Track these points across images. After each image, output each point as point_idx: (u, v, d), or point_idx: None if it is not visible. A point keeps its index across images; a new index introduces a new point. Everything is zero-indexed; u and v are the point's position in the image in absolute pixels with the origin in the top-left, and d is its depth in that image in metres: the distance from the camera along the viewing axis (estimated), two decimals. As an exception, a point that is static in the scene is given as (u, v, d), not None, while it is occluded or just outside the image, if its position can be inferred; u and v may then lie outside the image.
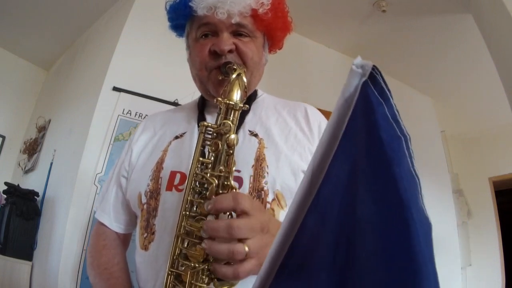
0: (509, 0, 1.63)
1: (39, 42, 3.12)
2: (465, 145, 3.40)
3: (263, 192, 0.66)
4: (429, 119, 3.32)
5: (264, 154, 0.70)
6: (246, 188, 0.67)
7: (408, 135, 0.26)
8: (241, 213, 0.52)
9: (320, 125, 0.78)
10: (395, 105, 0.26)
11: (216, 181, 0.55)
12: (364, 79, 0.25)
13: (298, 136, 0.74)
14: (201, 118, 0.80)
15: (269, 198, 0.66)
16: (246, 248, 0.49)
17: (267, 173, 0.68)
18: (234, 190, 0.56)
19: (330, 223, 0.27)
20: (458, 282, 2.82)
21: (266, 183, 0.67)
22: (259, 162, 0.69)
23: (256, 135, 0.73)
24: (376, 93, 0.25)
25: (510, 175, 3.10)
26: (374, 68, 0.26)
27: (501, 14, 1.68)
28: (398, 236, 0.23)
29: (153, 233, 0.69)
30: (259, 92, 0.86)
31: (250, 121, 0.76)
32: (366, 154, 0.26)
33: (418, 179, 0.26)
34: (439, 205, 2.95)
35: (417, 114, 3.21)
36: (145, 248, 0.69)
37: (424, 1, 2.40)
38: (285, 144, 0.72)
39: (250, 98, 0.81)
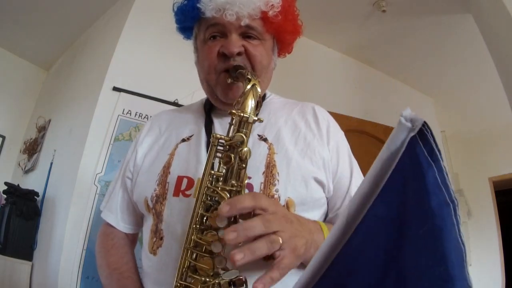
0: (509, 0, 1.63)
1: (39, 42, 3.12)
2: (465, 145, 3.40)
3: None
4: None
5: (274, 161, 0.69)
6: None
7: (456, 200, 0.25)
8: (261, 212, 0.52)
9: (328, 125, 0.77)
10: (445, 168, 0.25)
11: (228, 196, 0.54)
12: (412, 134, 0.24)
13: (307, 138, 0.73)
14: (208, 121, 0.78)
15: None
16: (280, 239, 0.50)
17: (278, 180, 0.67)
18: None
19: (362, 275, 0.27)
20: (458, 282, 2.82)
21: (276, 190, 0.66)
22: (270, 169, 0.68)
23: (265, 140, 0.72)
24: (425, 153, 0.24)
25: (510, 175, 3.09)
26: (425, 124, 0.24)
27: (501, 14, 1.68)
28: None
29: (161, 239, 0.68)
30: (267, 94, 0.85)
31: (258, 125, 0.74)
32: (415, 221, 0.25)
33: (464, 247, 0.25)
34: (439, 205, 2.95)
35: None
36: (154, 252, 0.69)
37: (424, 1, 2.40)
38: (295, 149, 0.71)
39: (257, 102, 0.81)
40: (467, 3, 2.23)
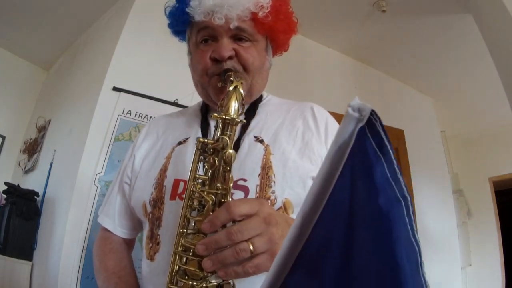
0: (509, 0, 1.63)
1: (39, 42, 3.11)
2: (465, 145, 3.40)
3: (269, 201, 0.65)
4: (429, 119, 3.32)
5: (270, 162, 0.68)
6: (252, 197, 0.65)
7: (409, 195, 0.23)
8: (242, 218, 0.51)
9: (327, 123, 0.76)
10: (395, 160, 0.23)
11: (214, 198, 0.54)
12: (360, 124, 0.22)
13: (306, 137, 0.73)
14: (204, 123, 0.78)
15: (275, 207, 0.65)
16: (251, 246, 0.49)
17: (274, 182, 0.66)
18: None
19: (320, 277, 0.25)
20: (458, 282, 2.82)
21: (273, 192, 0.65)
22: (266, 171, 0.67)
23: (261, 141, 0.71)
24: (374, 146, 0.22)
25: (510, 175, 3.09)
26: (373, 113, 0.22)
27: (501, 14, 1.68)
28: None
29: (157, 244, 0.68)
30: (264, 95, 0.84)
31: (255, 126, 0.74)
32: (363, 222, 0.23)
33: (418, 247, 0.23)
34: (439, 205, 2.95)
35: (417, 114, 3.21)
36: (151, 258, 0.69)
37: (424, 1, 2.40)
38: (293, 148, 0.71)
39: (255, 102, 0.80)
40: (467, 3, 2.23)
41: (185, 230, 0.56)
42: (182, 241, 0.55)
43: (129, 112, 2.00)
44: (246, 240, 0.49)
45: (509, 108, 1.64)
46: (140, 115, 2.01)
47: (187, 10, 0.71)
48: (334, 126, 0.78)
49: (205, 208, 0.54)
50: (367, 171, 0.23)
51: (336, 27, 2.78)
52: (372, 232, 0.23)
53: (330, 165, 0.24)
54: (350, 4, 2.53)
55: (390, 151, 0.23)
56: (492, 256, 2.96)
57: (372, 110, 0.22)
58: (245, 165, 0.67)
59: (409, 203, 0.23)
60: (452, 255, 2.85)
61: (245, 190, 0.66)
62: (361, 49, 2.98)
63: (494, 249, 2.97)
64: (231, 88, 0.60)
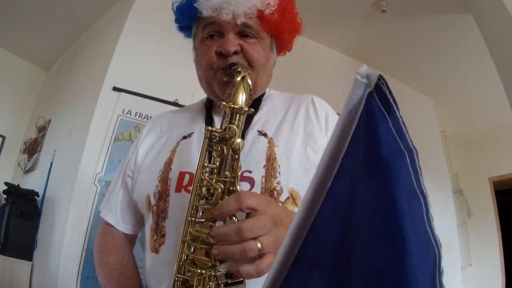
0: (509, 0, 1.63)
1: (39, 42, 3.12)
2: (465, 145, 3.40)
3: (275, 191, 0.66)
4: (429, 119, 3.32)
5: (275, 154, 0.69)
6: (258, 188, 0.66)
7: (415, 149, 0.24)
8: (249, 211, 0.51)
9: (327, 115, 0.77)
10: (401, 118, 0.24)
11: (222, 187, 0.54)
12: (369, 90, 0.23)
13: (307, 128, 0.74)
14: (208, 118, 0.79)
15: (283, 197, 0.66)
16: (259, 245, 0.49)
17: (279, 173, 0.67)
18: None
19: (331, 245, 0.26)
20: (458, 282, 2.83)
21: (278, 183, 0.66)
22: (271, 162, 0.68)
23: (265, 135, 0.73)
24: (380, 106, 0.23)
25: (510, 175, 3.10)
26: (380, 78, 0.23)
27: (501, 14, 1.68)
28: (392, 261, 0.22)
29: (163, 236, 0.68)
30: (266, 90, 0.85)
31: (258, 121, 0.75)
32: (366, 170, 0.24)
33: (424, 198, 0.23)
34: (439, 205, 2.95)
35: (417, 114, 3.21)
36: (156, 251, 0.69)
37: (424, 1, 2.40)
38: (296, 140, 0.72)
39: (257, 99, 0.80)
40: (467, 3, 2.23)
41: (193, 219, 0.56)
42: (191, 229, 0.55)
43: (129, 112, 2.00)
44: (254, 239, 0.49)
45: (509, 108, 1.64)
46: (140, 115, 2.02)
47: (195, 5, 0.72)
48: (334, 118, 0.79)
49: (214, 196, 0.54)
50: (372, 129, 0.23)
51: (336, 27, 2.79)
52: (373, 178, 0.23)
53: (341, 131, 0.24)
54: (350, 4, 2.53)
55: (396, 110, 0.24)
56: (492, 256, 2.96)
57: (380, 75, 0.23)
58: (250, 158, 0.68)
59: (414, 156, 0.24)
60: (452, 255, 2.85)
61: (251, 181, 0.66)
62: (361, 49, 2.98)
63: (494, 249, 2.97)
64: (238, 78, 0.60)
